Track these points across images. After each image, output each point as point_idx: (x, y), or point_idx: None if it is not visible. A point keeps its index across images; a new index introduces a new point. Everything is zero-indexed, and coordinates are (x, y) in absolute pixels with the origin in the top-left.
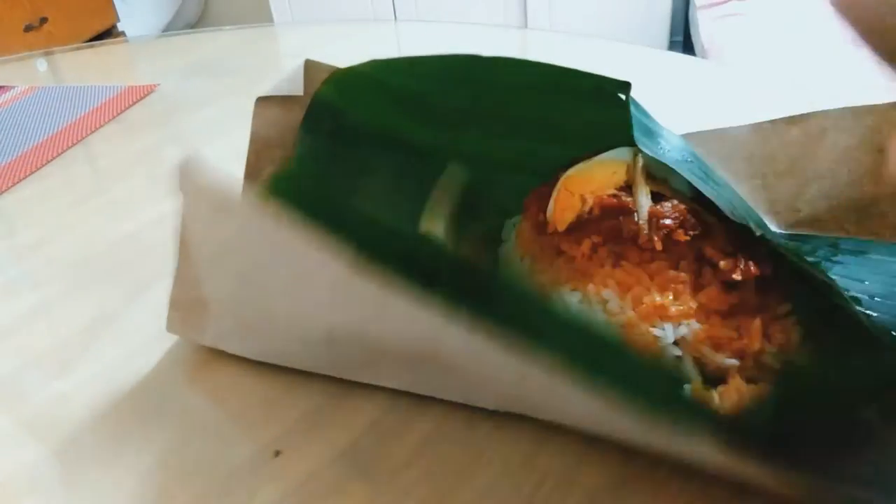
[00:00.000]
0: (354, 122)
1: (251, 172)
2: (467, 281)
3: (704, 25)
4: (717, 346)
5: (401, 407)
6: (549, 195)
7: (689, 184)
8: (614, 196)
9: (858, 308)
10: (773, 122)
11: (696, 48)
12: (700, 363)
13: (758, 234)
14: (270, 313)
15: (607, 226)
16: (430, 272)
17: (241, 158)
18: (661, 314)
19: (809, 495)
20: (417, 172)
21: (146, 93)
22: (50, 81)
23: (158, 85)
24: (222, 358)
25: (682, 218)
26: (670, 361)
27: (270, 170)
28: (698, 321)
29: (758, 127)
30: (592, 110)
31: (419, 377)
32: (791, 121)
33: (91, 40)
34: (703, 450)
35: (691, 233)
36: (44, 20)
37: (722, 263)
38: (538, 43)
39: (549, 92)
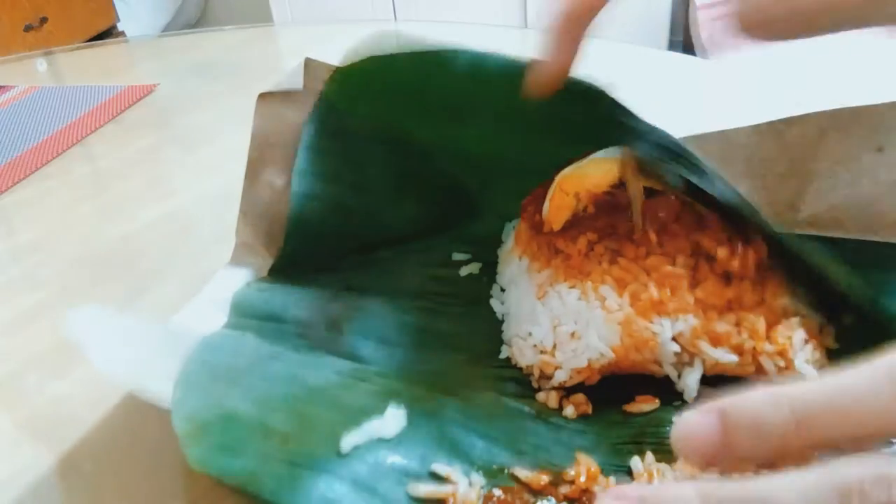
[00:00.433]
0: (357, 119)
1: (252, 170)
2: None
3: (704, 25)
4: (716, 342)
5: None
6: (545, 196)
7: (682, 177)
8: (608, 193)
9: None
10: (771, 122)
11: (696, 48)
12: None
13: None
14: None
15: (602, 223)
16: None
17: (241, 158)
18: (659, 310)
19: None
20: (416, 169)
21: (146, 93)
22: (50, 81)
23: (158, 85)
24: None
25: (676, 211)
26: None
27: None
28: (696, 316)
29: (757, 128)
30: (580, 110)
31: None
32: (790, 122)
33: (91, 40)
34: None
35: (686, 225)
36: (44, 20)
37: (719, 252)
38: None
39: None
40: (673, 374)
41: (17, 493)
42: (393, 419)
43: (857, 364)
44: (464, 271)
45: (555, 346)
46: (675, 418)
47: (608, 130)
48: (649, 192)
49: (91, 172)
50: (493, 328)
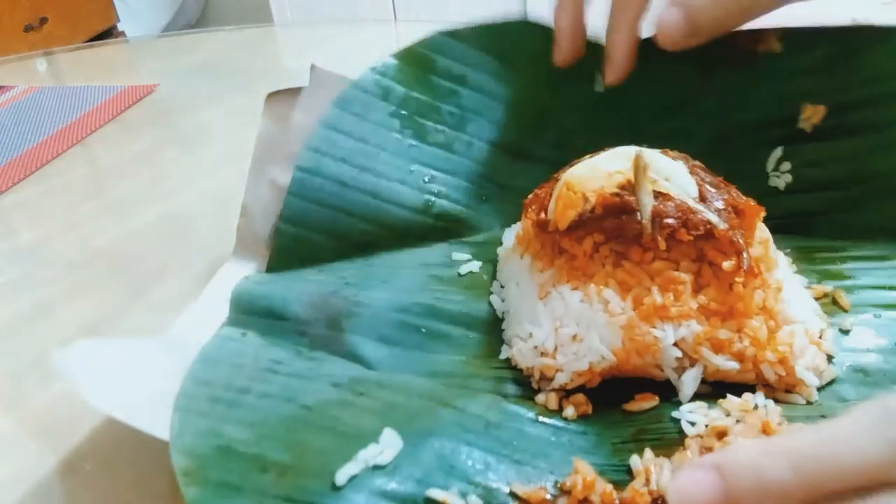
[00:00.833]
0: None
1: (256, 168)
2: None
3: None
4: (717, 349)
5: None
6: (550, 194)
7: (692, 183)
8: (617, 195)
9: None
10: None
11: None
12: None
13: None
14: None
15: (610, 224)
16: None
17: (241, 158)
18: (662, 315)
19: None
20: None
21: (146, 93)
22: (50, 81)
23: (158, 85)
24: None
25: (684, 218)
26: None
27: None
28: (698, 322)
29: None
30: None
31: None
32: None
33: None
34: None
35: (693, 233)
36: (44, 20)
37: (725, 265)
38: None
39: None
40: (674, 378)
41: (18, 494)
42: (389, 445)
43: (851, 411)
44: (463, 269)
45: (556, 349)
46: (673, 472)
47: None
48: (658, 196)
49: (91, 172)
50: (493, 327)
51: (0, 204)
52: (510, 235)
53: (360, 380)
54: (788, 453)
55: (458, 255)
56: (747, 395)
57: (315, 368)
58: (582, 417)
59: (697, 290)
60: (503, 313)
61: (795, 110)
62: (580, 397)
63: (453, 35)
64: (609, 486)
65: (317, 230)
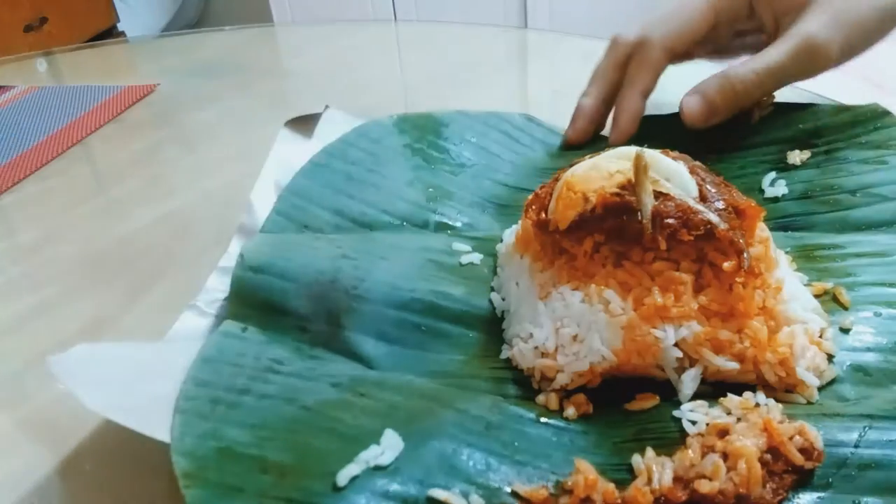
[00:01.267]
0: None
1: (269, 174)
2: None
3: None
4: (718, 349)
5: None
6: (550, 194)
7: (693, 183)
8: (618, 195)
9: None
10: None
11: None
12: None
13: None
14: None
15: (610, 225)
16: None
17: (241, 158)
18: (663, 315)
19: None
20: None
21: (146, 93)
22: (50, 81)
23: (158, 85)
24: None
25: (685, 218)
26: None
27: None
28: (699, 323)
29: None
30: None
31: None
32: None
33: (91, 40)
34: None
35: (694, 233)
36: (44, 20)
37: (725, 266)
38: (538, 43)
39: None
40: (675, 378)
41: (18, 493)
42: (389, 445)
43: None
44: (464, 259)
45: (556, 349)
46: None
47: None
48: (658, 196)
49: (91, 172)
50: (494, 326)
51: (0, 204)
52: (510, 235)
53: (360, 380)
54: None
55: (459, 246)
56: (748, 394)
57: (315, 368)
58: (583, 417)
59: (698, 290)
60: (503, 312)
61: (783, 156)
62: (581, 397)
63: (465, 114)
64: (611, 486)
65: (318, 204)
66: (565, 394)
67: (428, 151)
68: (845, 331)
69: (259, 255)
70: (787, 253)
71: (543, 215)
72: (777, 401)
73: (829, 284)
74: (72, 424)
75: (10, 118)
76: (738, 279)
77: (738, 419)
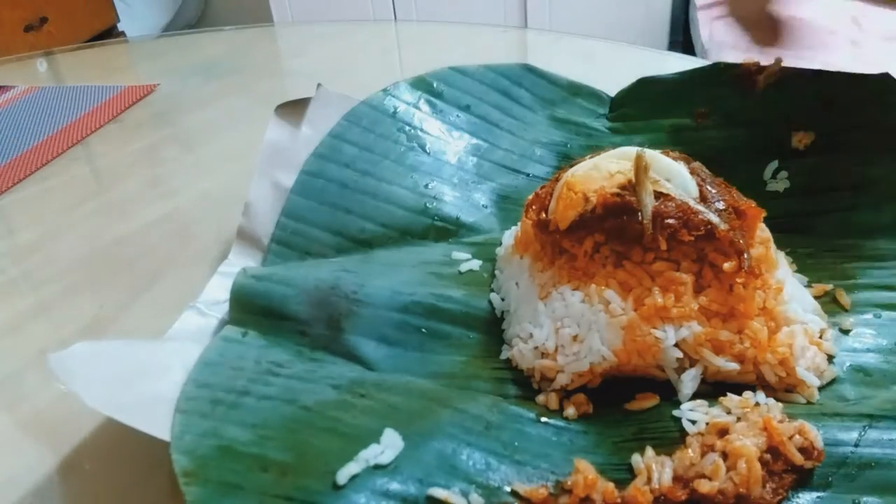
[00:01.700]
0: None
1: (262, 171)
2: None
3: (704, 25)
4: (718, 350)
5: None
6: (550, 194)
7: (693, 183)
8: (618, 195)
9: None
10: None
11: (696, 48)
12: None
13: None
14: None
15: (610, 224)
16: None
17: (241, 158)
18: (663, 315)
19: None
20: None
21: (146, 93)
22: (50, 81)
23: (158, 85)
24: None
25: (685, 218)
26: None
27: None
28: (699, 323)
29: None
30: None
31: None
32: None
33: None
34: None
35: (694, 233)
36: (44, 20)
37: (726, 266)
38: (538, 43)
39: None
40: (675, 378)
41: (18, 493)
42: (389, 445)
43: None
44: (464, 267)
45: (556, 349)
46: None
47: None
48: (657, 196)
49: (91, 172)
50: (494, 327)
51: (0, 204)
52: (509, 236)
53: (360, 381)
54: None
55: (458, 255)
56: (748, 394)
57: (315, 370)
58: (583, 417)
59: (698, 290)
60: (502, 312)
61: (787, 134)
62: (581, 397)
63: (461, 71)
64: (610, 485)
65: (316, 225)
66: (565, 394)
67: (423, 135)
68: (845, 332)
69: (260, 274)
70: (786, 254)
71: (544, 215)
72: (777, 401)
73: (829, 286)
74: (71, 424)
75: (10, 118)
76: (738, 280)
77: (738, 418)
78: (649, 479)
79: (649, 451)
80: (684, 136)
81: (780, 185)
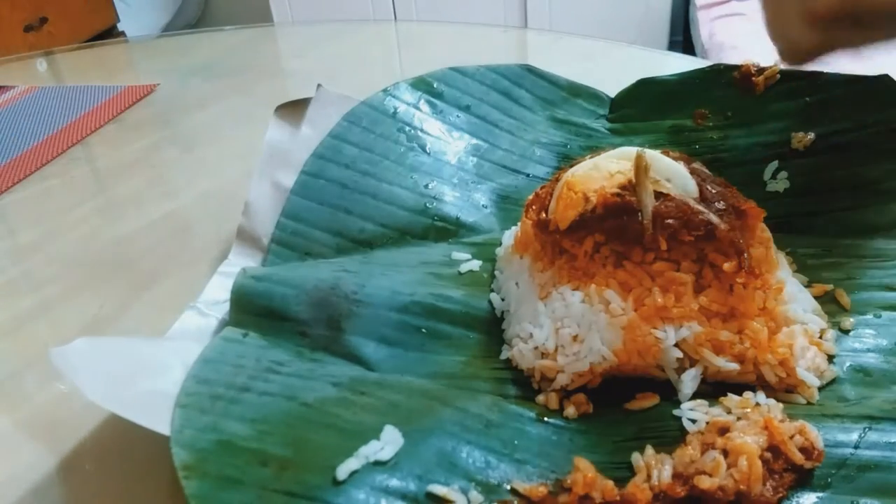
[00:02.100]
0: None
1: (262, 170)
2: None
3: (704, 25)
4: (718, 350)
5: None
6: (550, 194)
7: (693, 183)
8: (618, 195)
9: None
10: None
11: (697, 48)
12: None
13: None
14: None
15: (610, 224)
16: None
17: (241, 158)
18: (663, 316)
19: None
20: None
21: (146, 93)
22: (50, 81)
23: (158, 85)
24: None
25: (685, 218)
26: None
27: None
28: (700, 323)
29: None
30: None
31: None
32: None
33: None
34: None
35: (695, 233)
36: (44, 20)
37: (726, 266)
38: (538, 43)
39: None
40: (675, 378)
41: (18, 494)
42: (389, 441)
43: None
44: (464, 268)
45: (556, 349)
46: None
47: None
48: (658, 196)
49: (91, 172)
50: (494, 327)
51: (0, 204)
52: (509, 236)
53: (360, 380)
54: None
55: (458, 255)
56: (748, 394)
57: (315, 369)
58: (583, 416)
59: (698, 290)
60: (502, 313)
61: (787, 137)
62: (581, 397)
63: (461, 71)
64: (610, 483)
65: (316, 226)
66: (565, 393)
67: (423, 135)
68: (845, 332)
69: (260, 275)
70: (787, 254)
71: (544, 215)
72: (777, 401)
73: (829, 286)
74: (71, 424)
75: (10, 118)
76: (738, 280)
77: (739, 418)
78: (649, 477)
79: (649, 450)
80: (684, 136)
81: (780, 185)
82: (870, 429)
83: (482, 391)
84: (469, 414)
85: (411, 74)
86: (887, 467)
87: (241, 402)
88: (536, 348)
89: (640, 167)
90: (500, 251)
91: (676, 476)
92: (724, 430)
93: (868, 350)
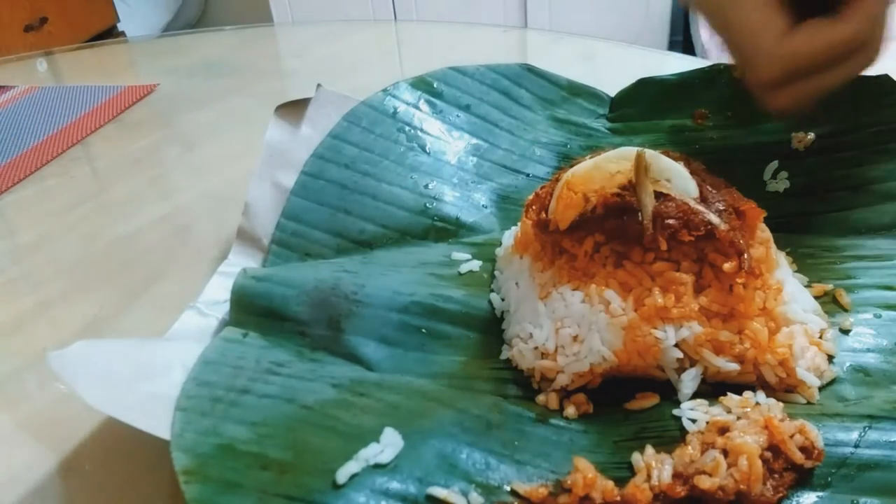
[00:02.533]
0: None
1: (262, 171)
2: None
3: (704, 25)
4: (718, 350)
5: None
6: (550, 194)
7: (693, 183)
8: (618, 195)
9: None
10: None
11: (696, 48)
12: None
13: None
14: None
15: (611, 225)
16: None
17: (241, 158)
18: (663, 316)
19: None
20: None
21: (146, 93)
22: (50, 81)
23: (158, 85)
24: None
25: (685, 218)
26: None
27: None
28: (700, 324)
29: None
30: None
31: None
32: None
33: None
34: None
35: (695, 233)
36: (44, 20)
37: (726, 266)
38: (538, 43)
39: None
40: (675, 378)
41: (19, 493)
42: (389, 444)
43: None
44: (464, 268)
45: (556, 349)
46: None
47: None
48: (658, 196)
49: (91, 172)
50: (494, 327)
51: (0, 204)
52: (509, 236)
53: (360, 381)
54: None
55: (458, 255)
56: (748, 394)
57: (315, 370)
58: (583, 417)
59: (698, 291)
60: (502, 313)
61: (787, 137)
62: (581, 397)
63: (461, 71)
64: (610, 483)
65: (316, 227)
66: (565, 394)
67: (423, 135)
68: (845, 332)
69: (260, 275)
70: (787, 254)
71: (544, 215)
72: (777, 401)
73: (829, 286)
74: (72, 424)
75: (10, 118)
76: (738, 280)
77: (739, 417)
78: (649, 477)
79: (649, 450)
80: (684, 136)
81: (780, 185)
82: (870, 428)
83: (482, 391)
84: (469, 415)
85: (411, 74)
86: (887, 466)
87: (241, 405)
88: (536, 348)
89: (640, 167)
90: (500, 251)
91: (676, 476)
92: (724, 430)
93: (868, 350)
